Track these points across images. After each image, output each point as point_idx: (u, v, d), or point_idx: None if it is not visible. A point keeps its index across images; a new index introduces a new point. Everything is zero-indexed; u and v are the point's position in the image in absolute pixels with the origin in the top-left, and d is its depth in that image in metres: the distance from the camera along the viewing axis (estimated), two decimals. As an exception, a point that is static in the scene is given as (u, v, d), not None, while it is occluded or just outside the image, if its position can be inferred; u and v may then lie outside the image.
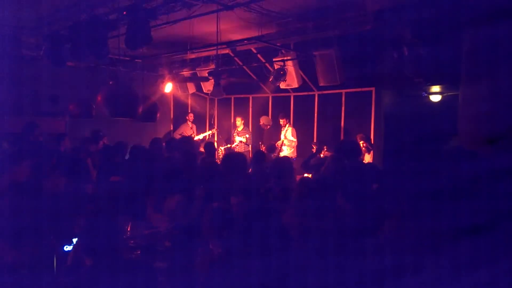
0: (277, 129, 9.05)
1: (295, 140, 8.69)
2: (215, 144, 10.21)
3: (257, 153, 5.62)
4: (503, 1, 3.64)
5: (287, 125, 8.82)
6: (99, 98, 4.82)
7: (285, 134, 8.66)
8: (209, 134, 10.49)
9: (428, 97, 8.57)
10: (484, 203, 1.78)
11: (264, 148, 8.01)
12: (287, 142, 8.64)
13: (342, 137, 8.41)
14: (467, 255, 1.77)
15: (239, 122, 9.54)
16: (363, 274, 1.96)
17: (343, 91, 8.41)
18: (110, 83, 6.00)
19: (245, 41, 6.85)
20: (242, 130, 9.48)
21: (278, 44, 6.87)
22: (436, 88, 8.37)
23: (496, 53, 3.74)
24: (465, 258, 1.77)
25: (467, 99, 4.12)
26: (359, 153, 4.41)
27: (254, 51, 7.82)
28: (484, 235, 1.74)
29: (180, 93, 10.14)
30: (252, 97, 10.46)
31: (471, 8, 4.12)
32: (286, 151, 8.64)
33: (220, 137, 10.59)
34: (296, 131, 8.75)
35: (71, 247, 3.23)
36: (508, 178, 1.79)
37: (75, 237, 3.27)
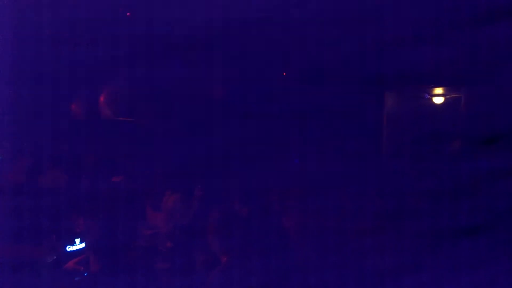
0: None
1: None
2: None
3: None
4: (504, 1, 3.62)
5: None
6: (101, 99, 4.82)
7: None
8: None
9: (430, 98, 8.52)
10: (484, 203, 1.78)
11: None
12: None
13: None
14: (467, 255, 1.77)
15: None
16: (363, 274, 1.97)
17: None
18: (114, 83, 5.96)
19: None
20: None
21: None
22: (438, 90, 8.32)
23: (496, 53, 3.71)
24: (465, 258, 1.77)
25: (467, 99, 4.09)
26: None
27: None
28: (484, 234, 1.74)
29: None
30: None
31: (472, 7, 4.09)
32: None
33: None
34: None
35: (73, 247, 3.24)
36: (508, 178, 1.79)
37: (77, 237, 3.27)
